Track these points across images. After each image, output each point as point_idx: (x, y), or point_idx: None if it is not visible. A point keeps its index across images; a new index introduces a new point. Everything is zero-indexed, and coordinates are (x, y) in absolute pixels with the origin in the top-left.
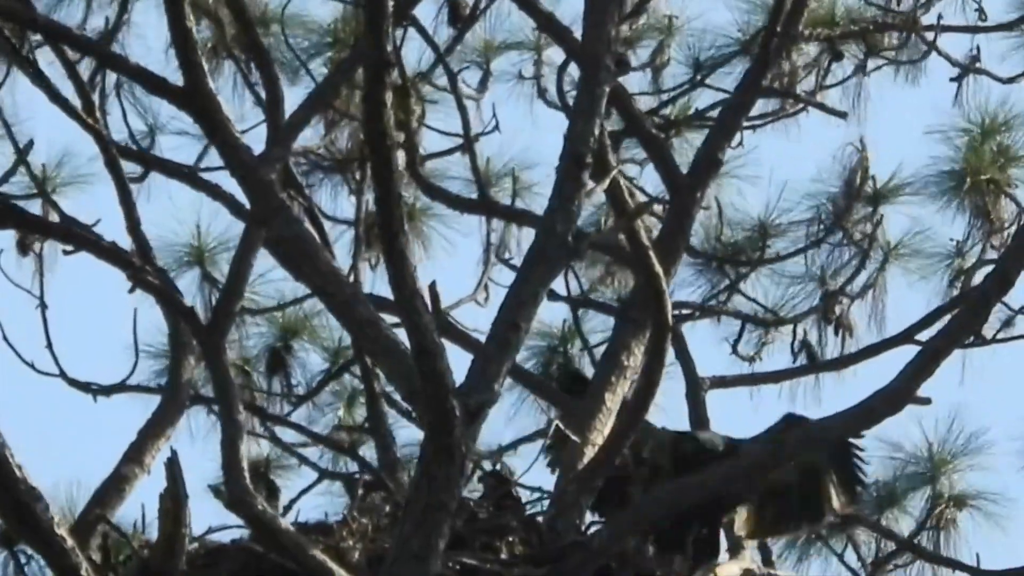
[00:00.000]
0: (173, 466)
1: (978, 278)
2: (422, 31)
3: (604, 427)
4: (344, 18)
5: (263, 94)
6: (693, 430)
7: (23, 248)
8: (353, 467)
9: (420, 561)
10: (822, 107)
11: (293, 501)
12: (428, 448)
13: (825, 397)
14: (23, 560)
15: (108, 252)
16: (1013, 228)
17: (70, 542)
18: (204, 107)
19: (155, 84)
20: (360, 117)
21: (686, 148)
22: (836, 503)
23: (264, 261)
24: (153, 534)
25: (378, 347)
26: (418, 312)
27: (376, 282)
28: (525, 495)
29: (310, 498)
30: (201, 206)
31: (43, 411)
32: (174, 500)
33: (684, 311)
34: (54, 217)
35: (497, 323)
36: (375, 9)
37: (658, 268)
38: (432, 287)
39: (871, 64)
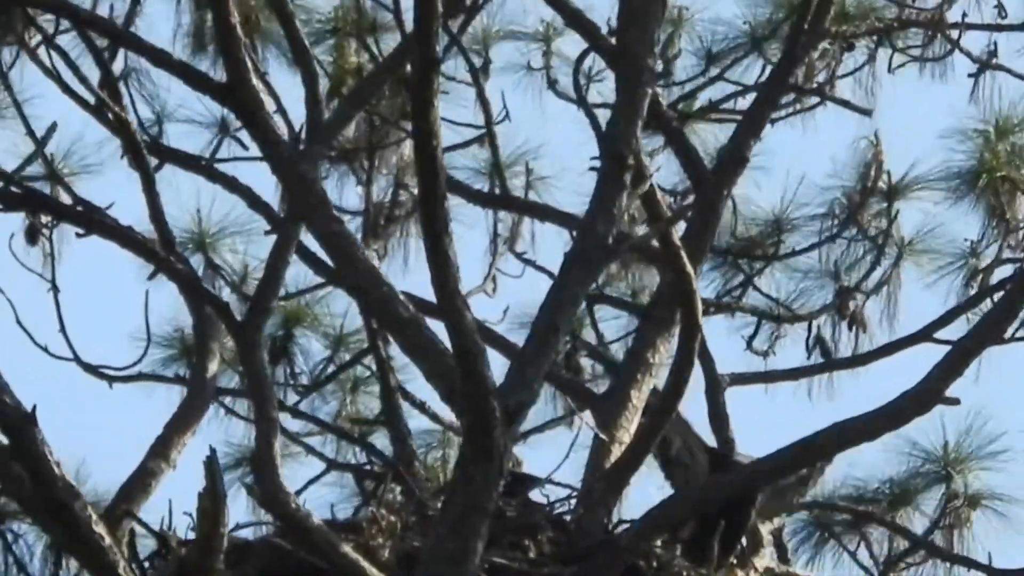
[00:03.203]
0: (212, 465)
1: (996, 277)
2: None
3: (631, 425)
4: (344, 7)
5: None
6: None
7: (32, 237)
8: (363, 458)
9: (456, 564)
10: (847, 104)
11: (299, 492)
12: (467, 449)
13: (841, 394)
14: (10, 539)
15: (134, 242)
16: None
17: (108, 540)
18: (245, 103)
19: (197, 80)
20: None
21: (698, 140)
22: None
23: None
24: (180, 530)
25: (416, 346)
26: (460, 313)
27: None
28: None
29: (317, 488)
30: (199, 192)
31: (57, 396)
32: (212, 500)
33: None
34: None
35: (536, 325)
36: (425, 9)
37: (689, 268)
38: None
39: (895, 61)
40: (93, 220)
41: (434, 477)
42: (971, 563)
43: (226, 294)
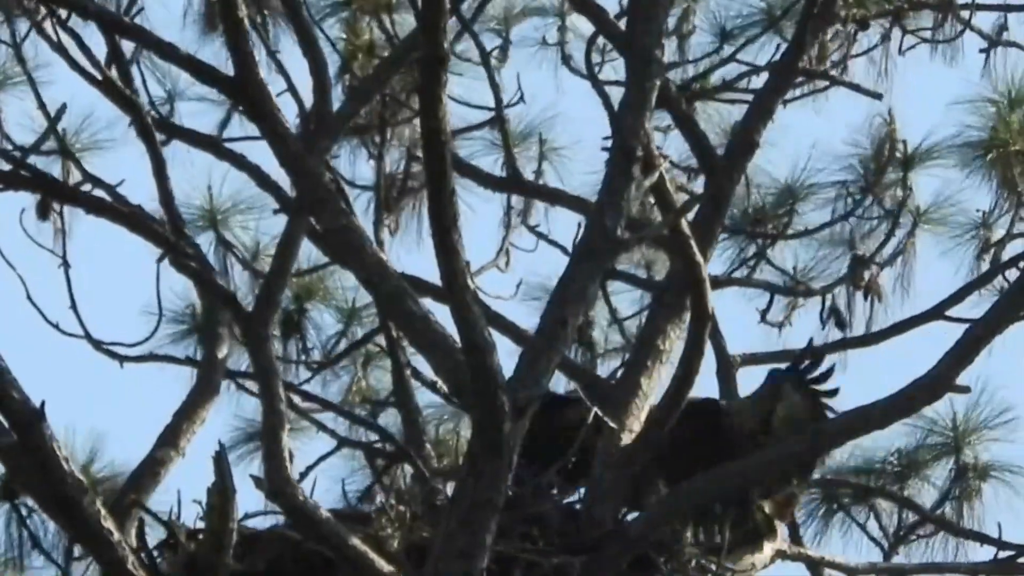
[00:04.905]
0: (221, 461)
1: (1007, 253)
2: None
3: (641, 412)
4: None
5: (285, 65)
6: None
7: (43, 212)
8: (373, 436)
9: (467, 558)
10: (857, 88)
11: (310, 468)
12: (476, 444)
13: (854, 370)
14: (24, 513)
15: (142, 226)
16: None
17: (116, 535)
18: (254, 97)
19: (205, 73)
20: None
21: (715, 116)
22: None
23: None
24: (188, 519)
25: (426, 341)
26: (469, 307)
27: (395, 247)
28: None
29: (327, 462)
30: (210, 168)
31: (68, 372)
32: (222, 495)
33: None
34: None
35: (545, 318)
36: (432, 6)
37: (699, 257)
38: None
39: (905, 43)
40: (102, 205)
41: (447, 453)
42: (979, 536)
43: (238, 271)
